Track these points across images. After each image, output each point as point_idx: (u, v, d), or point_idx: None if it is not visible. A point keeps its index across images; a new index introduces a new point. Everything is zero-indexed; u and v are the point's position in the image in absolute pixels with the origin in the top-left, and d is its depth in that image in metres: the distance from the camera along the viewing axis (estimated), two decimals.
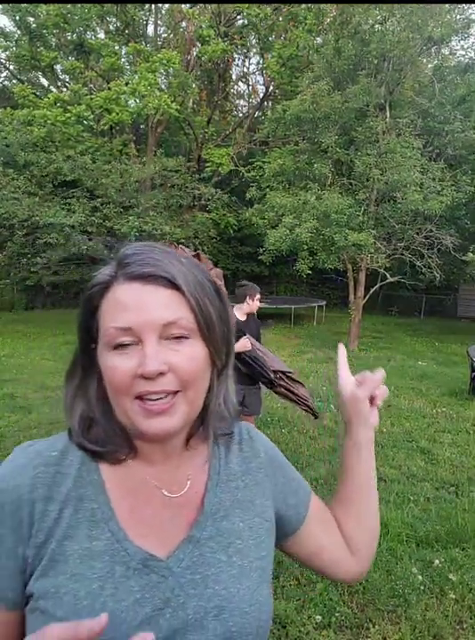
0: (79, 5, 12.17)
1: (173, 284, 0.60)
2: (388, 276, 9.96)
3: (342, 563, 0.79)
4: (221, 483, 0.70)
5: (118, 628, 0.56)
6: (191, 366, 0.60)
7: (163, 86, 13.60)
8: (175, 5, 14.42)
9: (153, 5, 14.73)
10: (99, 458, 0.65)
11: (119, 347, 0.59)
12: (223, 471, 0.71)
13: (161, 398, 0.59)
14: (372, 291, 10.36)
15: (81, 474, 0.64)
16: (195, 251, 3.77)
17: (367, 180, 9.48)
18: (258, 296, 3.63)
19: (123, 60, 14.14)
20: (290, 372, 3.35)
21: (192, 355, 0.61)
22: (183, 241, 11.23)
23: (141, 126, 16.60)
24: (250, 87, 18.88)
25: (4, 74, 15.97)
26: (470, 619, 2.36)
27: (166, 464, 0.68)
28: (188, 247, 3.84)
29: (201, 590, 0.62)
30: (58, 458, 0.65)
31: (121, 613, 0.58)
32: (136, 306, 0.59)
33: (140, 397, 0.59)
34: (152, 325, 0.58)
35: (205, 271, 0.66)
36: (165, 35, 16.54)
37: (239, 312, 3.60)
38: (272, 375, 3.27)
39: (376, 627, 2.29)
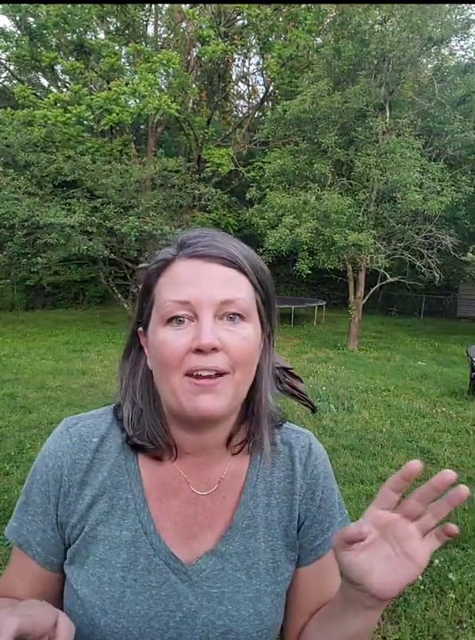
0: (79, 5, 12.17)
1: (234, 264, 0.60)
2: (388, 276, 9.96)
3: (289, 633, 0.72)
4: (256, 497, 0.68)
5: (132, 619, 0.60)
6: (244, 346, 0.59)
7: (163, 86, 13.61)
8: (175, 5, 14.42)
9: (153, 5, 14.73)
10: (140, 451, 0.66)
11: (173, 320, 0.59)
12: (260, 484, 0.68)
13: (211, 376, 0.58)
14: (372, 291, 10.36)
15: (118, 462, 0.66)
16: None
17: (367, 180, 9.48)
18: None
19: (123, 60, 14.13)
20: (291, 369, 3.37)
21: (245, 335, 0.60)
22: None
23: (141, 126, 16.60)
24: (250, 87, 18.88)
25: (5, 74, 15.97)
26: (470, 618, 2.36)
27: (200, 460, 0.67)
28: None
29: (215, 605, 0.62)
30: (97, 444, 0.66)
31: (136, 605, 0.61)
32: (196, 281, 0.59)
33: (189, 375, 0.58)
34: (210, 301, 0.58)
35: (259, 257, 0.67)
36: (165, 35, 16.53)
37: None
38: (277, 372, 3.27)
39: (376, 626, 2.29)
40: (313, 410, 3.63)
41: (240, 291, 0.60)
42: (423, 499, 0.52)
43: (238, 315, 0.60)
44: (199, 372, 0.57)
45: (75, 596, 0.62)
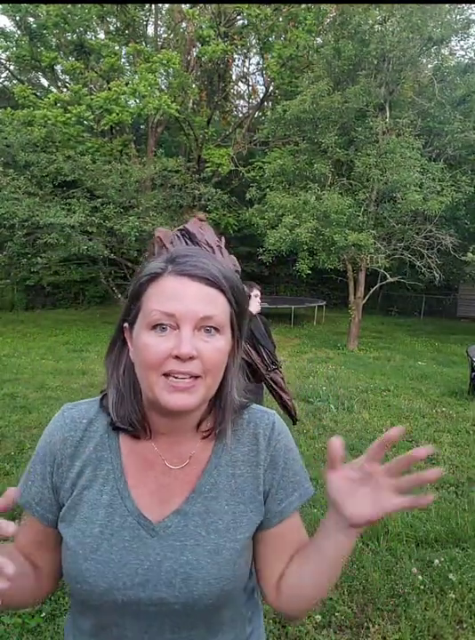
0: (79, 5, 12.17)
1: (214, 284, 0.71)
2: (388, 276, 9.96)
3: (268, 586, 0.82)
4: (219, 466, 0.79)
5: (107, 565, 0.72)
6: (216, 356, 0.70)
7: (163, 86, 13.61)
8: (175, 5, 14.42)
9: (153, 5, 14.73)
10: (121, 431, 0.78)
11: (158, 327, 0.69)
12: (225, 456, 0.80)
13: (185, 379, 0.68)
14: (372, 291, 10.36)
15: (103, 440, 0.79)
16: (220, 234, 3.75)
17: (367, 180, 9.48)
18: (256, 292, 3.45)
19: (123, 60, 14.13)
20: (279, 367, 3.41)
21: (218, 347, 0.70)
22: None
23: (141, 126, 16.60)
24: (250, 87, 18.89)
25: (5, 74, 15.97)
26: (470, 618, 2.36)
27: (173, 439, 0.78)
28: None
29: (177, 556, 0.73)
30: (86, 425, 0.79)
31: (111, 554, 0.73)
32: (181, 296, 0.69)
33: (166, 375, 0.68)
34: (191, 316, 0.68)
35: (237, 274, 0.78)
36: (165, 35, 16.53)
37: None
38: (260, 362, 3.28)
39: (376, 626, 2.29)
40: (294, 421, 3.62)
41: (217, 308, 0.71)
42: (400, 465, 0.66)
43: (214, 328, 0.70)
44: (176, 376, 0.68)
45: (65, 547, 0.76)
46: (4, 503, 0.61)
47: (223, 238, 3.46)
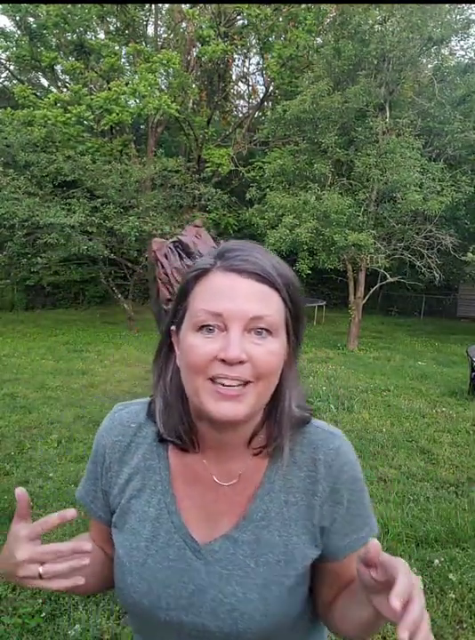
0: (79, 5, 12.16)
1: (267, 280, 0.64)
2: (388, 276, 9.96)
3: (320, 608, 0.79)
4: (272, 492, 0.72)
5: (151, 583, 0.70)
6: (269, 360, 0.63)
7: (163, 86, 13.61)
8: (175, 5, 14.42)
9: (153, 5, 14.73)
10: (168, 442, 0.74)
11: (204, 328, 0.63)
12: (279, 482, 0.72)
13: (233, 385, 0.62)
14: (372, 291, 10.36)
15: (152, 447, 0.75)
16: (213, 238, 3.76)
17: (367, 180, 9.48)
18: None
19: (123, 60, 14.12)
20: None
21: (271, 349, 0.63)
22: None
23: (141, 126, 16.59)
24: (250, 87, 18.88)
25: (5, 74, 15.97)
26: (470, 618, 2.36)
27: (223, 456, 0.72)
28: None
29: (223, 585, 0.69)
30: (135, 430, 0.76)
31: (156, 572, 0.70)
32: (230, 295, 0.62)
33: (212, 379, 0.62)
34: (241, 315, 0.61)
35: (293, 272, 0.70)
36: (165, 35, 16.53)
37: None
38: None
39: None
40: None
41: (270, 307, 0.63)
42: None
43: (266, 330, 0.63)
44: (222, 381, 0.62)
45: (116, 554, 0.74)
46: (25, 507, 0.61)
47: (222, 243, 3.41)
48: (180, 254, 3.63)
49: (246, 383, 0.62)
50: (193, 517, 0.72)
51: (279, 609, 0.69)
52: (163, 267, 3.56)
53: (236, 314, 0.61)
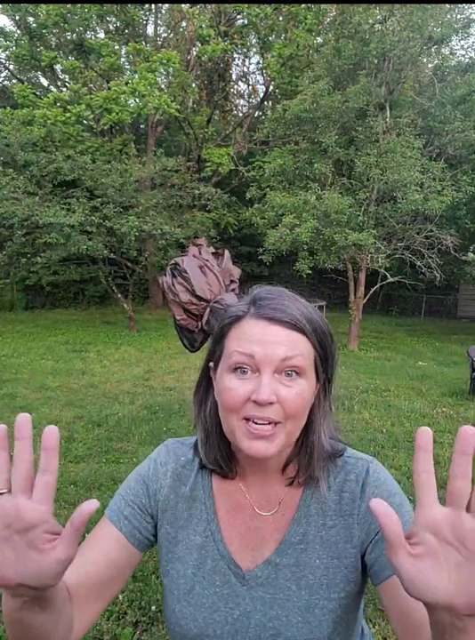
0: (79, 5, 12.16)
1: (296, 327, 0.68)
2: (388, 275, 9.95)
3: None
4: (309, 516, 0.74)
5: (198, 608, 0.72)
6: (297, 401, 0.67)
7: (163, 86, 13.60)
8: (175, 5, 14.41)
9: (153, 5, 14.72)
10: (212, 471, 0.79)
11: (238, 370, 0.68)
12: (315, 505, 0.75)
13: (265, 425, 0.66)
14: (372, 291, 10.35)
15: (197, 478, 0.80)
16: (215, 250, 3.80)
17: (367, 180, 9.47)
18: None
19: (123, 59, 14.13)
20: None
21: (300, 391, 0.67)
22: (183, 241, 11.24)
23: (141, 126, 16.61)
24: (250, 87, 18.89)
25: (4, 74, 15.98)
26: None
27: (261, 482, 0.77)
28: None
29: (266, 609, 0.71)
30: (186, 462, 0.81)
31: (202, 598, 0.73)
32: (261, 339, 0.67)
33: (246, 419, 0.67)
34: (271, 358, 0.66)
35: (322, 316, 0.74)
36: (165, 34, 16.53)
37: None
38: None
39: (376, 627, 2.28)
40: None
41: (299, 350, 0.68)
42: (463, 474, 0.45)
43: (295, 371, 0.67)
44: (256, 420, 0.66)
45: (164, 588, 0.78)
46: (80, 521, 0.49)
47: (226, 252, 3.47)
48: (173, 274, 3.66)
49: (277, 423, 0.66)
50: (236, 545, 0.75)
51: (323, 633, 0.69)
52: (167, 285, 3.60)
53: (266, 357, 0.66)
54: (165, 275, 3.60)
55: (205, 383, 0.78)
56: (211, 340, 0.76)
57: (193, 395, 0.80)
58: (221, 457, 0.76)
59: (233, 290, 3.65)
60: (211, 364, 0.76)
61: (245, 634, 0.70)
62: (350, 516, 0.73)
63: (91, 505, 0.49)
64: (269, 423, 0.66)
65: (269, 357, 0.66)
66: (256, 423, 0.66)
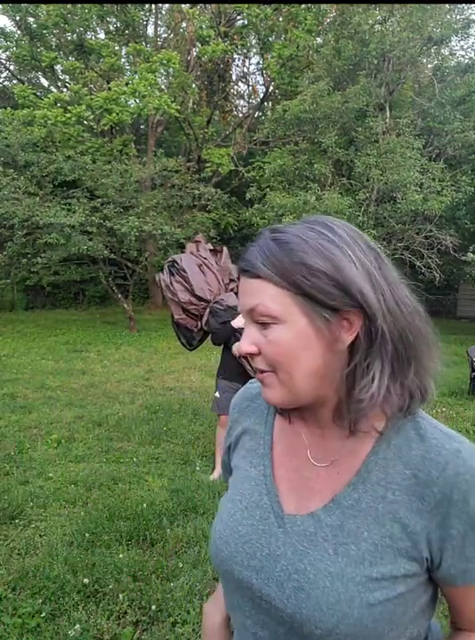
0: (79, 5, 12.17)
1: (253, 274, 0.65)
2: None
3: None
4: (368, 483, 0.67)
5: (232, 534, 0.73)
6: (272, 349, 0.65)
7: (163, 86, 13.61)
8: (175, 5, 14.42)
9: (153, 5, 14.73)
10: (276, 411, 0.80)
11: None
12: (378, 473, 0.67)
13: (262, 373, 0.68)
14: None
15: (262, 415, 0.82)
16: (213, 247, 3.78)
17: (367, 180, 9.49)
18: None
19: (123, 60, 14.15)
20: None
21: (274, 338, 0.64)
22: (183, 241, 11.25)
23: (141, 126, 16.61)
24: (250, 87, 18.89)
25: (5, 74, 15.99)
26: None
27: (318, 430, 0.73)
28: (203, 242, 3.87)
29: (296, 560, 0.67)
30: (253, 396, 0.85)
31: (239, 526, 0.73)
32: (240, 293, 0.69)
33: None
34: (244, 310, 0.67)
35: (307, 248, 0.64)
36: (165, 35, 16.54)
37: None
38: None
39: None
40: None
41: (259, 297, 0.64)
42: None
43: (265, 319, 0.65)
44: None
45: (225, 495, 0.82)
46: None
47: (225, 249, 3.51)
48: (171, 272, 3.65)
49: (269, 372, 0.67)
50: (286, 486, 0.74)
51: (351, 610, 0.62)
52: (164, 284, 3.58)
53: (243, 310, 0.68)
54: (163, 272, 3.56)
55: None
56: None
57: None
58: None
59: (232, 289, 3.63)
60: None
61: (270, 574, 0.67)
62: (421, 500, 0.64)
63: None
64: (263, 372, 0.67)
65: (243, 310, 0.67)
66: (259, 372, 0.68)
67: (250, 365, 3.33)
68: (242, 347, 0.66)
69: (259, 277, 0.64)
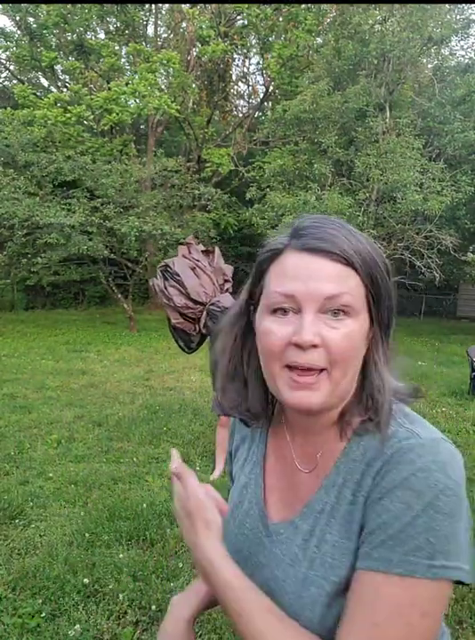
0: (79, 5, 12.18)
1: (343, 259, 0.59)
2: None
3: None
4: (336, 484, 0.64)
5: (228, 537, 0.71)
6: (344, 344, 0.58)
7: (163, 86, 13.62)
8: (175, 5, 14.43)
9: (153, 5, 14.74)
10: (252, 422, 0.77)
11: (278, 311, 0.60)
12: (344, 474, 0.64)
13: (309, 374, 0.59)
14: None
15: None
16: (205, 248, 3.78)
17: (367, 180, 9.49)
18: None
19: (123, 60, 14.16)
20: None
21: (347, 333, 0.59)
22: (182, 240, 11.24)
23: (141, 126, 16.61)
24: (250, 87, 18.90)
25: (5, 74, 16.00)
26: (470, 618, 2.36)
27: (305, 438, 0.70)
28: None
29: (274, 567, 0.68)
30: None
31: (231, 537, 0.73)
32: (303, 275, 0.59)
33: (289, 367, 0.60)
34: (314, 296, 0.58)
35: (376, 246, 0.65)
36: (165, 35, 16.55)
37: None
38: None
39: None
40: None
41: (346, 287, 0.59)
42: None
43: (342, 310, 0.59)
44: (300, 369, 0.59)
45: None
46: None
47: (216, 249, 3.50)
48: (164, 277, 3.64)
49: (321, 371, 0.59)
50: (274, 495, 0.73)
51: (314, 615, 0.60)
52: (158, 289, 3.57)
53: (309, 295, 0.58)
54: (157, 278, 3.55)
55: (245, 326, 0.70)
56: (250, 278, 0.67)
57: (221, 334, 0.73)
58: (262, 406, 0.72)
59: (227, 289, 3.62)
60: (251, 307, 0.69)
61: (257, 582, 0.64)
62: (358, 493, 0.62)
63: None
64: (312, 370, 0.58)
65: (311, 295, 0.58)
66: (299, 372, 0.59)
67: None
68: (307, 336, 0.57)
69: (347, 265, 0.59)
